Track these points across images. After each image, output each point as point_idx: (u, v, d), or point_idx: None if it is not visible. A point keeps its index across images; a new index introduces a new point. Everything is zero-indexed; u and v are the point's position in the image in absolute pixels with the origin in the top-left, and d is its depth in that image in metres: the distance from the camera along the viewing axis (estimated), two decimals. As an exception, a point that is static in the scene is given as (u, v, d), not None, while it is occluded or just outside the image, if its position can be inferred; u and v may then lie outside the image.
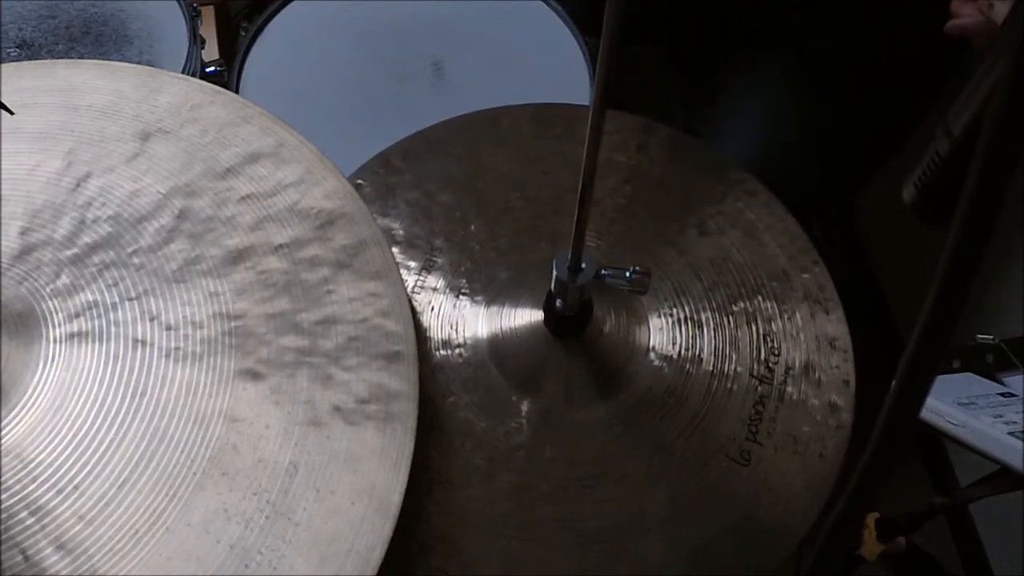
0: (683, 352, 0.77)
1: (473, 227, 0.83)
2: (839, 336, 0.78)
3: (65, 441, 0.59)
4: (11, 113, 0.72)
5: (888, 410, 0.36)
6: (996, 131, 0.28)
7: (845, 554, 0.75)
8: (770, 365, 0.76)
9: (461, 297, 0.80)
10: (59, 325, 0.63)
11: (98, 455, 0.58)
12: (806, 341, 0.77)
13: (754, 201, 0.84)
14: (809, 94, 1.10)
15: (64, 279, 0.65)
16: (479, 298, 0.80)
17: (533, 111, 0.91)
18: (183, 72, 1.04)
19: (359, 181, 0.85)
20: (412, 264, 0.81)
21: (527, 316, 0.78)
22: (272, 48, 1.11)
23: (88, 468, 0.58)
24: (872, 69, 1.09)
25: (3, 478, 0.57)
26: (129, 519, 0.56)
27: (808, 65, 1.12)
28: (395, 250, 0.82)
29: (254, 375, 0.62)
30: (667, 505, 0.70)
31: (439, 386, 0.75)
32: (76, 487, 0.57)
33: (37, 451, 0.58)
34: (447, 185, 0.86)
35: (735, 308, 0.79)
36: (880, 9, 1.03)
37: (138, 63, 0.95)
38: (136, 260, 0.66)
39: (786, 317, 0.79)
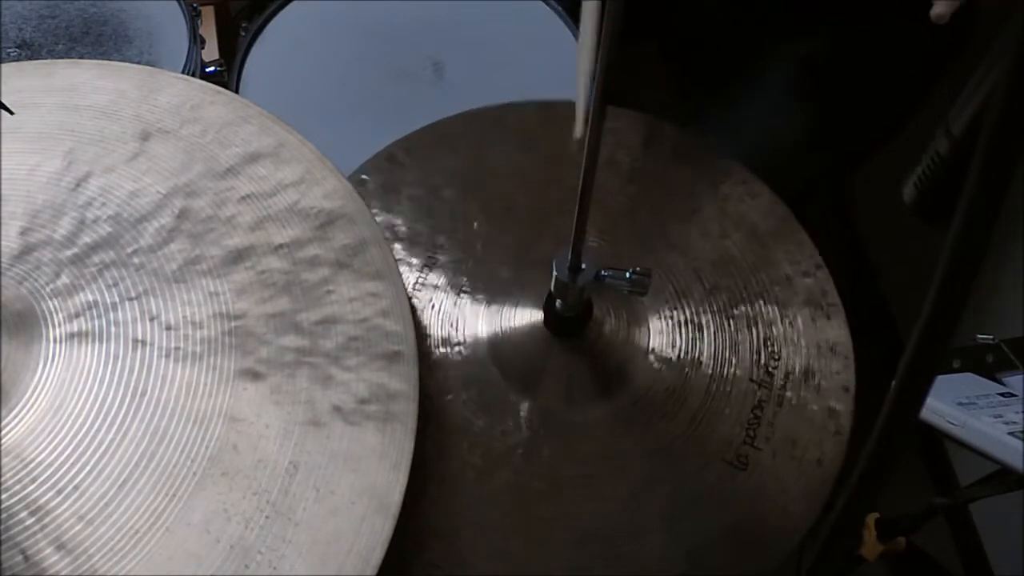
0: (683, 354, 0.77)
1: (476, 225, 0.83)
2: (840, 341, 0.78)
3: (65, 441, 0.59)
4: (11, 113, 0.72)
5: (888, 410, 0.36)
6: (996, 131, 0.28)
7: (845, 554, 0.75)
8: (770, 369, 0.76)
9: (462, 295, 0.80)
10: (59, 325, 0.63)
11: (98, 455, 0.58)
12: (807, 346, 0.77)
13: (758, 204, 0.84)
14: (806, 91, 1.10)
15: (64, 279, 0.65)
16: (480, 296, 0.80)
17: (539, 108, 0.90)
18: (183, 72, 1.04)
19: (363, 176, 0.85)
20: (414, 261, 0.81)
21: (527, 315, 0.78)
22: (272, 48, 1.11)
23: (88, 468, 0.58)
24: (867, 64, 1.09)
25: (3, 478, 0.57)
26: (129, 519, 0.56)
27: (805, 63, 1.12)
28: (397, 246, 0.82)
29: (254, 375, 0.62)
30: (664, 506, 0.70)
31: (437, 383, 0.75)
32: (76, 487, 0.57)
33: (37, 451, 0.58)
34: (451, 181, 0.86)
35: (736, 311, 0.79)
36: (873, 5, 1.04)
37: (138, 63, 0.95)
38: (136, 260, 0.66)
39: (787, 321, 0.79)
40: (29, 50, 1.05)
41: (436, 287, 0.80)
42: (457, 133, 0.89)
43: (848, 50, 1.10)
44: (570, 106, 0.91)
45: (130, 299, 0.64)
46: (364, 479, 0.59)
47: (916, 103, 1.11)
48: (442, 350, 0.77)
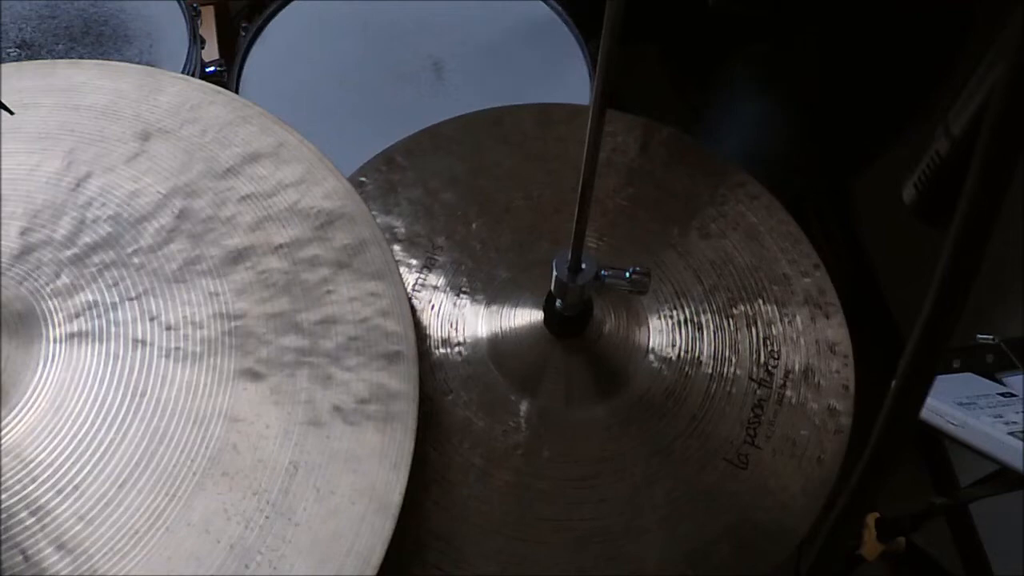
0: (682, 354, 0.77)
1: (474, 226, 0.83)
2: (839, 341, 0.78)
3: (65, 441, 0.59)
4: (11, 113, 0.72)
5: (888, 410, 0.36)
6: (996, 131, 0.28)
7: (845, 554, 0.75)
8: (769, 368, 0.76)
9: (461, 296, 0.80)
10: (59, 325, 0.63)
11: (98, 455, 0.58)
12: (806, 345, 0.77)
13: (756, 204, 0.84)
14: (806, 93, 1.10)
15: (64, 279, 0.65)
16: (479, 297, 0.80)
17: (536, 110, 0.91)
18: (183, 72, 1.04)
19: (362, 178, 0.85)
20: (413, 262, 0.81)
21: (527, 316, 0.78)
22: (272, 48, 1.11)
23: (88, 468, 0.58)
24: (867, 66, 1.09)
25: (3, 478, 0.57)
26: (129, 519, 0.56)
27: (805, 64, 1.12)
28: (396, 248, 0.82)
29: (254, 375, 0.62)
30: (665, 506, 0.70)
31: (438, 384, 0.75)
32: (76, 487, 0.57)
33: (37, 451, 0.58)
34: (449, 183, 0.86)
35: (735, 311, 0.79)
36: (873, 8, 1.04)
37: (138, 63, 0.95)
38: (136, 260, 0.66)
39: (786, 321, 0.79)
40: (29, 50, 1.05)
41: (435, 288, 0.80)
42: (455, 136, 0.89)
43: (848, 53, 1.10)
44: (566, 109, 0.91)
45: (130, 299, 0.64)
46: (364, 479, 0.59)
47: (917, 108, 1.11)
48: (442, 351, 0.77)
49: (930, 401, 0.48)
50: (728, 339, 0.78)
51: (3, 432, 0.59)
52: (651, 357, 0.77)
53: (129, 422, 0.60)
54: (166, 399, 0.61)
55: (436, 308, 0.79)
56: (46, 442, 0.59)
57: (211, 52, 1.19)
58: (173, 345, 0.63)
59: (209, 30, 1.24)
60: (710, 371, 0.76)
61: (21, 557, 0.55)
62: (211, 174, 0.70)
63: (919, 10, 0.93)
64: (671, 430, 0.73)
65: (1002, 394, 0.74)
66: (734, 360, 0.77)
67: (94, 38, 1.06)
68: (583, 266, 0.70)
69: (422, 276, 0.81)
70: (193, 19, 1.08)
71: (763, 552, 0.69)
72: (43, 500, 0.57)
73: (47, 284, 0.65)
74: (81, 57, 1.04)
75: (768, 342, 0.78)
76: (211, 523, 0.57)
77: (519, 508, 0.70)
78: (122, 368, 0.62)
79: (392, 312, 0.65)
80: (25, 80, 0.76)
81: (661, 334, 0.78)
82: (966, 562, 1.34)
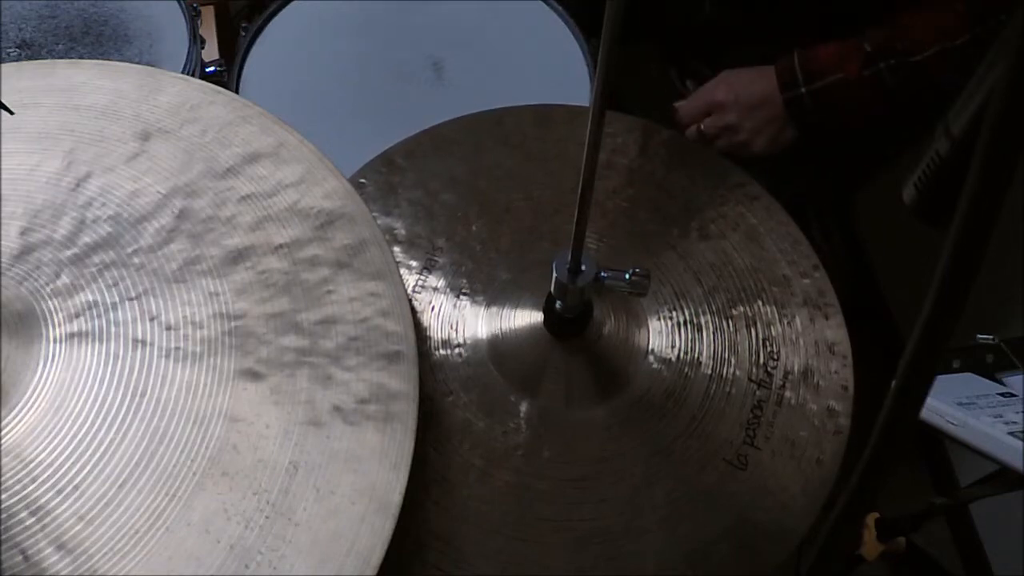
0: (682, 355, 0.77)
1: (475, 227, 0.83)
2: (838, 341, 0.78)
3: (65, 441, 0.59)
4: (11, 113, 0.72)
5: (888, 410, 0.36)
6: (996, 131, 0.28)
7: (845, 554, 0.75)
8: (769, 370, 0.76)
9: (462, 297, 0.80)
10: (59, 325, 0.63)
11: (98, 455, 0.58)
12: (805, 346, 0.77)
13: (755, 205, 0.84)
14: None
15: (64, 279, 0.65)
16: (479, 298, 0.80)
17: (536, 111, 0.91)
18: (183, 72, 1.04)
19: (362, 180, 0.85)
20: (413, 263, 0.81)
21: (527, 316, 0.78)
22: (272, 48, 1.11)
23: (88, 468, 0.58)
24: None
25: (3, 478, 0.57)
26: (129, 519, 0.56)
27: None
28: (397, 249, 0.82)
29: (254, 375, 0.62)
30: (664, 507, 0.70)
31: (438, 384, 0.75)
32: (76, 487, 0.57)
33: (37, 451, 0.58)
34: (449, 184, 0.86)
35: (735, 312, 0.79)
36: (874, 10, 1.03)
37: (138, 63, 0.95)
38: (136, 260, 0.66)
39: (786, 322, 0.79)
40: (29, 50, 1.05)
41: (436, 289, 0.80)
42: (455, 137, 0.89)
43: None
44: (566, 110, 0.91)
45: (130, 299, 0.64)
46: (364, 479, 0.59)
47: (919, 119, 1.10)
48: (442, 352, 0.77)
49: (930, 401, 0.48)
50: (727, 340, 0.78)
51: (3, 432, 0.59)
52: (651, 358, 0.77)
53: (129, 422, 0.60)
54: (166, 399, 0.61)
55: (436, 309, 0.79)
56: (46, 442, 0.59)
57: (211, 52, 1.19)
58: (173, 345, 0.63)
59: (209, 30, 1.24)
60: (709, 372, 0.76)
61: (21, 557, 0.55)
62: (211, 174, 0.70)
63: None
64: (671, 431, 0.73)
65: (1002, 394, 0.74)
66: (733, 361, 0.77)
67: (94, 38, 1.06)
68: (583, 267, 0.70)
69: (422, 277, 0.81)
70: (193, 19, 1.08)
71: (763, 552, 0.69)
72: (43, 500, 0.57)
73: (47, 284, 0.65)
74: (81, 57, 1.04)
75: (767, 343, 0.78)
76: (211, 523, 0.57)
77: (519, 508, 0.70)
78: (122, 368, 0.62)
79: (392, 312, 0.65)
80: (25, 80, 0.76)
81: (661, 335, 0.78)
82: (966, 562, 1.35)
